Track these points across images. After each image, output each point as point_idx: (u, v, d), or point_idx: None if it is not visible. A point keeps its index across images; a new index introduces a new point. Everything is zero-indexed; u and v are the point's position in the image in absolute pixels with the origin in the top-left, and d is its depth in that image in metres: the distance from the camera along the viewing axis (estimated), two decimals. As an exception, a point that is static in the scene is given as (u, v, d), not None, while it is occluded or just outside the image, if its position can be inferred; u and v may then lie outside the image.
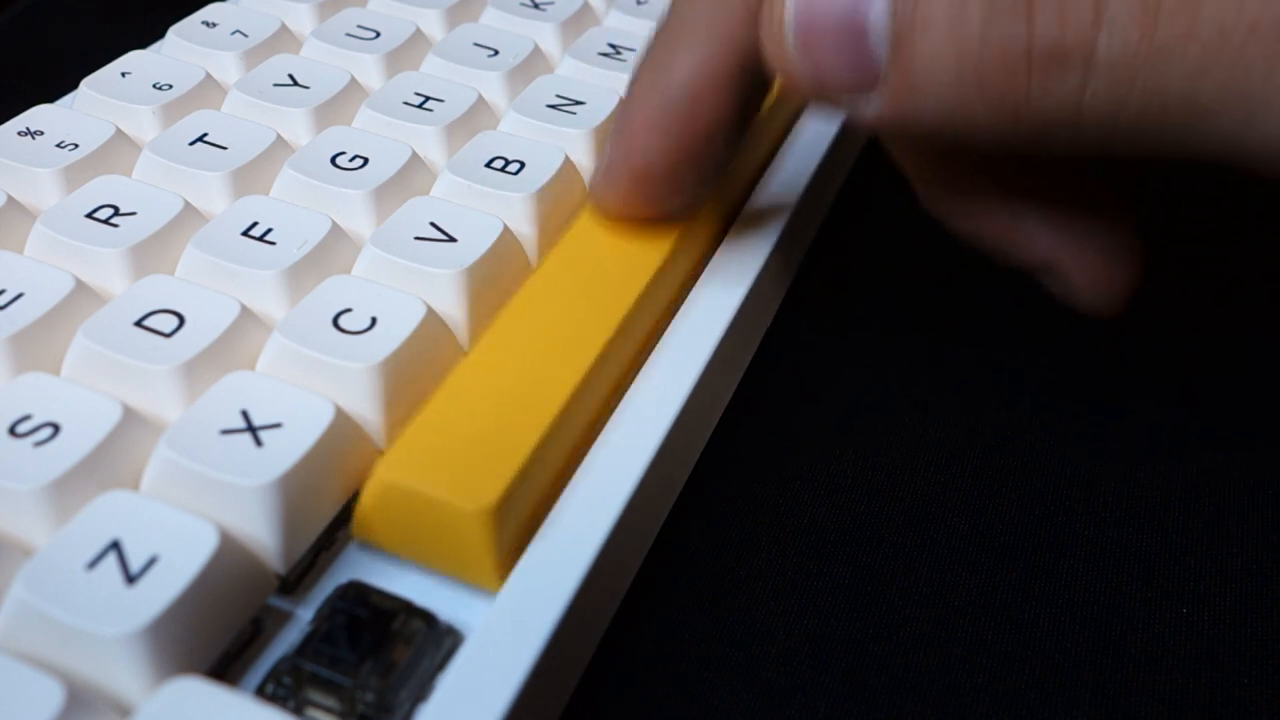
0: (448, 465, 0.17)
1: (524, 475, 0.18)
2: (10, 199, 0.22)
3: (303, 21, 0.29)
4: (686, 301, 0.22)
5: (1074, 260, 0.19)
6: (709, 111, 0.20)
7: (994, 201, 0.19)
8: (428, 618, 0.17)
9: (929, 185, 0.20)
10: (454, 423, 0.18)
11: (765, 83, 0.20)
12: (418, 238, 0.21)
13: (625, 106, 0.21)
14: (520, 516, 0.18)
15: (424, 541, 0.17)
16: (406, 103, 0.25)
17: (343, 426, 0.18)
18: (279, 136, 0.24)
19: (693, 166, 0.21)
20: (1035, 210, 0.19)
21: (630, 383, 0.21)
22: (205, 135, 0.24)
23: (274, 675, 0.16)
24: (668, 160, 0.20)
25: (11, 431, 0.17)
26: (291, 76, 0.26)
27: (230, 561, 0.16)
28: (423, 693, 0.16)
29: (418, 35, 0.28)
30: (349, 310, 0.20)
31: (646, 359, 0.21)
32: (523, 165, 0.23)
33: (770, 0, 0.17)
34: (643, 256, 0.22)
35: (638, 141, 0.20)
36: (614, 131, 0.21)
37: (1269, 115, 0.14)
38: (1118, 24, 0.14)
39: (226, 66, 0.27)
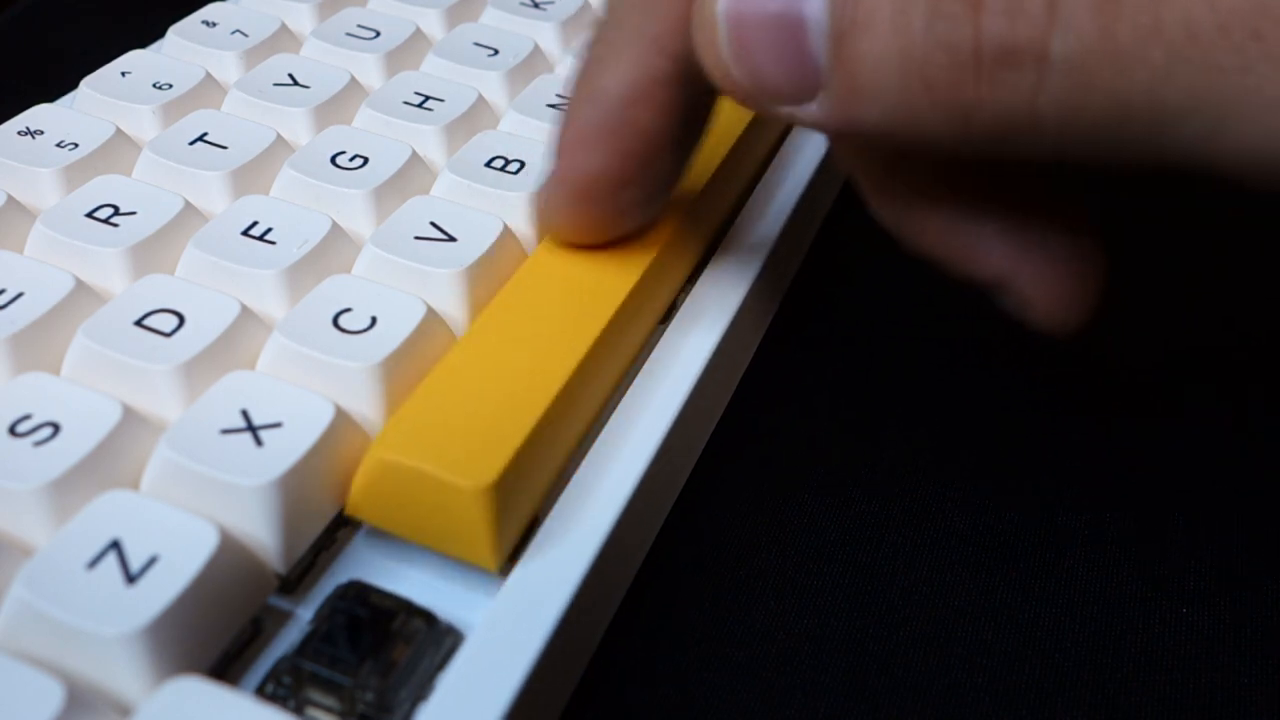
0: (445, 443, 0.17)
1: (523, 456, 0.18)
2: (10, 199, 0.22)
3: (303, 21, 0.29)
4: (691, 291, 0.22)
5: (1029, 276, 0.18)
6: (646, 122, 0.18)
7: (945, 211, 0.18)
8: (428, 617, 0.17)
9: (876, 193, 0.19)
10: (451, 401, 0.18)
11: (709, 90, 0.18)
12: (418, 237, 0.21)
13: (565, 117, 0.19)
14: (519, 501, 0.18)
15: (421, 521, 0.17)
16: (406, 102, 0.25)
17: (343, 426, 0.18)
18: (279, 136, 0.24)
19: (636, 183, 0.19)
20: (988, 221, 0.18)
21: (632, 376, 0.21)
22: (205, 135, 0.24)
23: (274, 675, 0.16)
24: (607, 177, 0.19)
25: (11, 431, 0.17)
26: (291, 76, 0.26)
27: (230, 561, 0.16)
28: (423, 692, 0.16)
29: (418, 35, 0.28)
30: (349, 310, 0.20)
31: (649, 351, 0.21)
32: (523, 165, 0.23)
33: (701, 2, 0.16)
34: (645, 240, 0.22)
35: (575, 158, 0.19)
36: (556, 145, 0.19)
37: (1241, 121, 0.13)
38: (1074, 20, 0.13)
39: (226, 66, 0.27)
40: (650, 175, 0.19)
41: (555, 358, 0.19)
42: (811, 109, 0.15)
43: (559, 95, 0.26)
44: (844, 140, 0.19)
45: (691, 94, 0.19)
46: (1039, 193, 0.18)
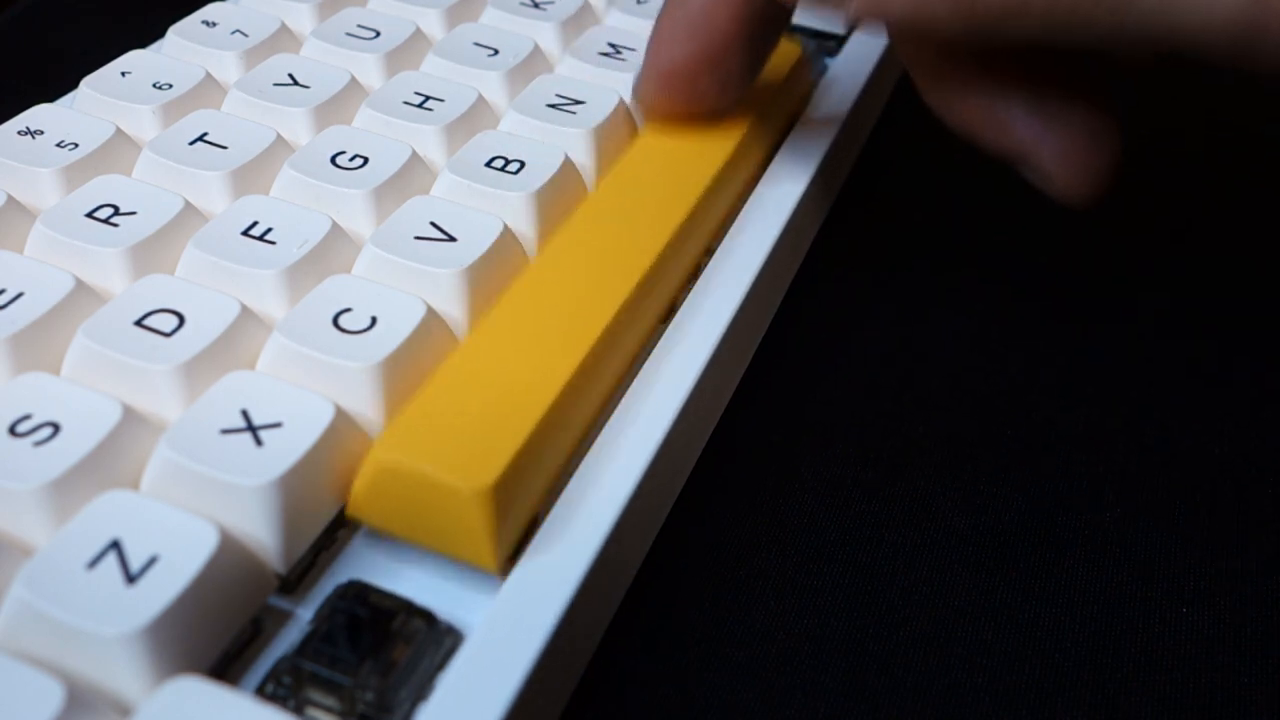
0: (445, 445, 0.17)
1: (523, 458, 0.18)
2: (10, 199, 0.22)
3: (303, 21, 0.29)
4: (691, 291, 0.22)
5: (1051, 145, 0.21)
6: (722, 23, 0.23)
7: (979, 91, 0.21)
8: (428, 617, 0.17)
9: (926, 77, 0.22)
10: (452, 404, 0.18)
11: (774, 6, 0.23)
12: (418, 237, 0.21)
13: (657, 20, 0.24)
14: (518, 503, 0.18)
15: (422, 522, 0.17)
16: (406, 102, 0.25)
17: (343, 426, 0.18)
18: (279, 136, 0.24)
19: (711, 73, 0.24)
20: (1016, 98, 0.21)
21: (633, 375, 0.21)
22: (205, 135, 0.24)
23: (274, 675, 0.16)
24: (687, 66, 0.24)
25: (11, 431, 0.17)
26: (291, 76, 0.26)
27: (230, 561, 0.16)
28: (423, 692, 0.16)
29: (418, 35, 0.28)
30: (349, 310, 0.20)
31: (649, 352, 0.21)
32: (523, 165, 0.23)
33: None
34: (643, 245, 0.22)
35: (662, 49, 0.24)
36: (648, 40, 0.24)
37: (1177, 4, 0.16)
38: None
39: (226, 66, 0.27)
40: (724, 68, 0.24)
41: (556, 359, 0.19)
42: (846, 6, 0.19)
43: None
44: (898, 36, 0.23)
45: (759, 3, 0.23)
46: (1059, 73, 0.21)
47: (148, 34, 0.28)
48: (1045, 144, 0.21)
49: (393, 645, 0.16)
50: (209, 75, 0.26)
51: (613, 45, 0.28)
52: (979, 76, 0.21)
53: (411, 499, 0.17)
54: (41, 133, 0.23)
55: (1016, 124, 0.21)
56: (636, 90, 0.25)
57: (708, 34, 0.23)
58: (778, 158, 0.26)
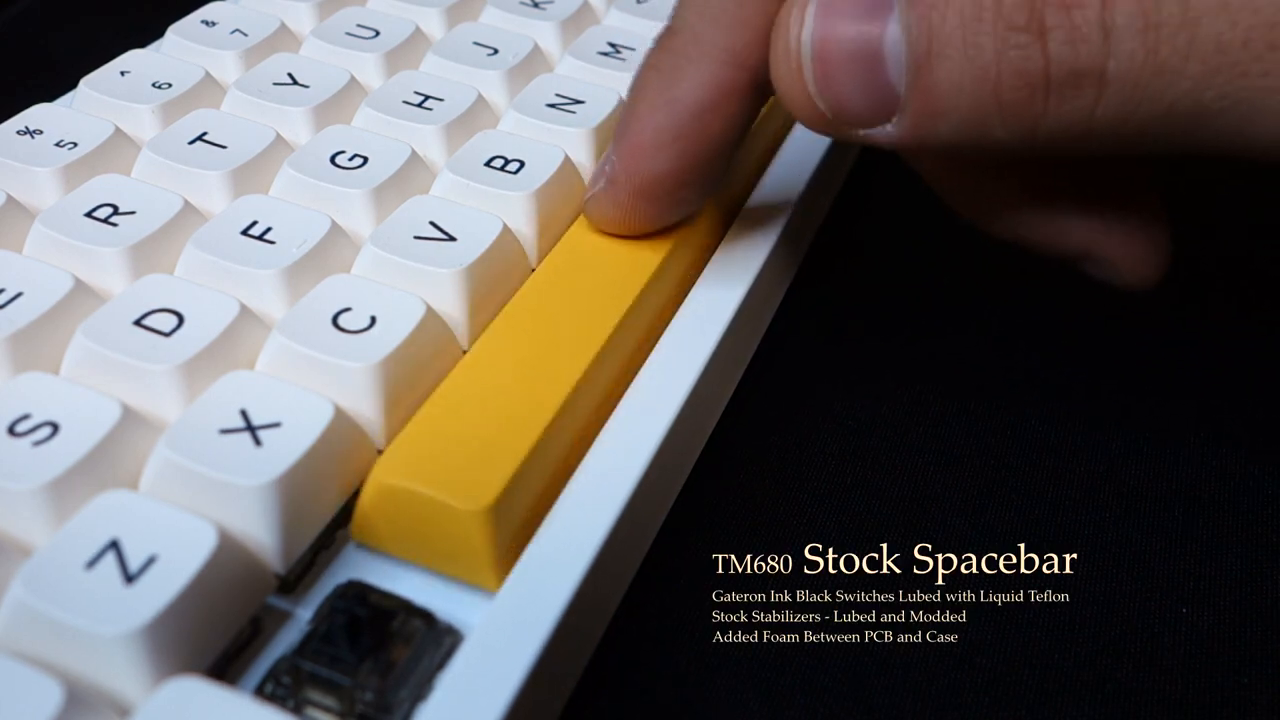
0: (445, 466, 0.17)
1: (522, 475, 0.18)
2: (9, 198, 0.22)
3: (302, 20, 0.29)
4: (686, 300, 0.22)
5: (1111, 245, 0.20)
6: (717, 130, 0.20)
7: (1023, 203, 0.20)
8: (427, 617, 0.17)
9: (956, 195, 0.21)
10: (452, 423, 0.18)
11: (768, 95, 0.20)
12: (417, 237, 0.21)
13: (631, 122, 0.21)
14: (519, 516, 0.18)
15: (423, 543, 0.17)
16: (406, 102, 0.25)
17: (342, 426, 0.18)
18: (278, 135, 0.24)
19: (696, 183, 0.21)
20: (1064, 205, 0.20)
21: (630, 382, 0.21)
22: (205, 134, 0.24)
23: (273, 675, 0.16)
24: (675, 177, 0.21)
25: (10, 431, 0.17)
26: (291, 75, 0.26)
27: (229, 561, 0.16)
28: (422, 692, 0.16)
29: (417, 34, 0.28)
30: (348, 309, 0.20)
31: (646, 358, 0.21)
32: (522, 164, 0.23)
33: (783, 36, 0.17)
34: (642, 256, 0.22)
35: (642, 161, 0.21)
36: (618, 147, 0.21)
37: (1266, 115, 0.15)
38: (1125, 44, 0.15)
39: (226, 65, 0.27)
40: (709, 175, 0.21)
41: (555, 375, 0.19)
42: (886, 129, 0.17)
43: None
44: (920, 156, 0.21)
45: (759, 101, 0.20)
46: (1104, 173, 0.20)
47: (147, 34, 0.28)
48: (1110, 243, 0.20)
49: (392, 645, 0.16)
50: (208, 75, 0.26)
51: (612, 45, 0.28)
52: (1018, 189, 0.20)
53: (413, 520, 0.17)
54: (41, 132, 0.23)
55: (1076, 228, 0.20)
56: (600, 204, 0.22)
57: (699, 141, 0.20)
58: (780, 152, 0.26)
